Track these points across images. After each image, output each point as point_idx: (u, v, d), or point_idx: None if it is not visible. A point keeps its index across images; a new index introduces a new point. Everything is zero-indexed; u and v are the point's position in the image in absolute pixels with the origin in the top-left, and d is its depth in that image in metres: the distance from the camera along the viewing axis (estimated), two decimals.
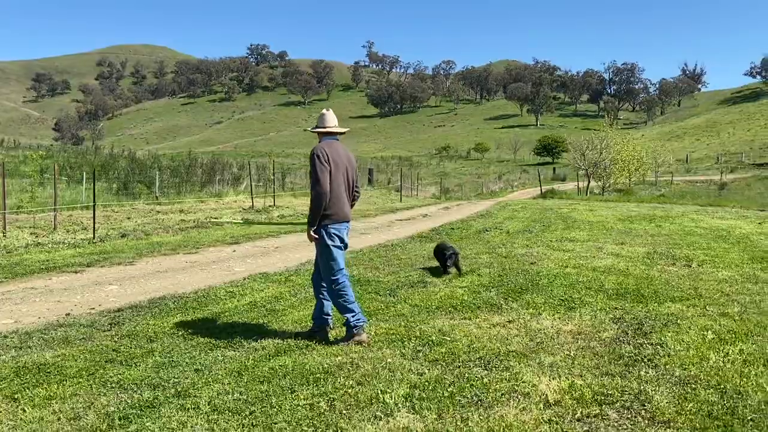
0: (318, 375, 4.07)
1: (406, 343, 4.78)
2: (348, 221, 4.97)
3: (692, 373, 4.01)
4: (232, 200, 21.67)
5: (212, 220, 15.37)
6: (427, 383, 3.89)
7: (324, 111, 5.24)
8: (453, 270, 7.66)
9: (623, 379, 3.90)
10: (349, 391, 3.79)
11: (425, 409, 3.50)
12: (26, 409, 3.57)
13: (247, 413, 3.47)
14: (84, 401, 3.68)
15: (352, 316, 4.80)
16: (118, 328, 5.39)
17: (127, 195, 20.81)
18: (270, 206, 19.56)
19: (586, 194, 34.05)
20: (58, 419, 3.43)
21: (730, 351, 4.41)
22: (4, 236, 11.70)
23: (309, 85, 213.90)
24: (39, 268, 8.58)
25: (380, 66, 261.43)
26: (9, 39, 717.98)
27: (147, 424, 3.36)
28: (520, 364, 4.23)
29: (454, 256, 7.65)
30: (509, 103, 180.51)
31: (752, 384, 3.78)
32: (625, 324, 5.23)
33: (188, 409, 3.54)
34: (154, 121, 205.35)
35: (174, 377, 4.08)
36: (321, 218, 4.78)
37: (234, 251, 10.49)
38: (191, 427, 3.31)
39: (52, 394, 3.80)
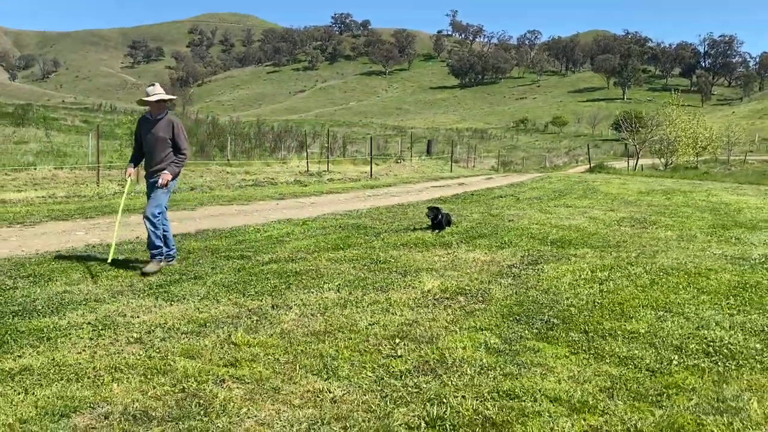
0: (290, 274, 6.13)
1: (360, 261, 6.76)
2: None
3: (536, 283, 5.77)
4: (294, 165, 24.13)
5: (269, 180, 17.79)
6: (355, 279, 5.88)
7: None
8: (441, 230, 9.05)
9: (483, 283, 5.73)
10: (304, 280, 5.83)
11: (343, 290, 5.49)
12: (100, 276, 5.85)
13: (233, 287, 5.58)
14: (140, 282, 5.92)
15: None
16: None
17: (203, 157, 23.63)
18: (324, 171, 21.85)
19: (634, 170, 34.35)
20: (111, 286, 5.67)
21: (582, 276, 6.10)
22: (98, 186, 14.51)
23: (390, 54, 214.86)
24: (123, 210, 11.10)
25: (463, 35, 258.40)
26: (108, 6, 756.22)
27: (172, 290, 5.51)
28: (426, 274, 6.12)
29: (440, 216, 8.99)
30: (596, 75, 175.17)
31: (567, 292, 5.52)
32: (528, 258, 6.98)
33: (198, 284, 5.70)
34: (241, 89, 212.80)
35: (196, 270, 6.27)
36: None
37: (277, 204, 12.73)
38: (197, 291, 5.45)
39: (117, 273, 6.06)
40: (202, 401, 3.26)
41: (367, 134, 60.26)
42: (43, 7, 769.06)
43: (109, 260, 6.43)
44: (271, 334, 4.33)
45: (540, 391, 3.35)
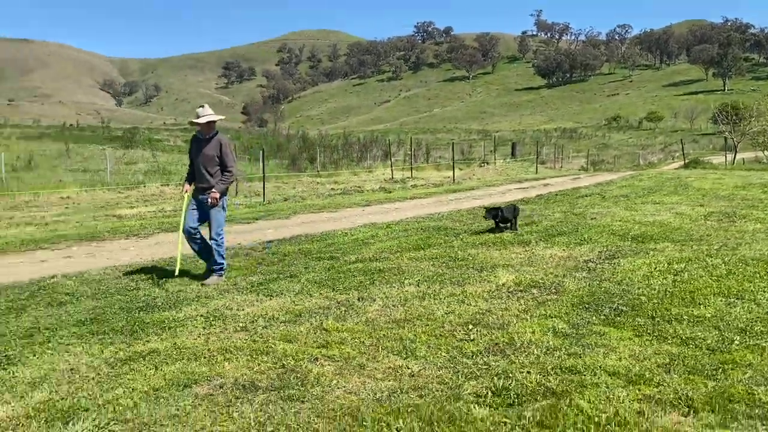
0: (374, 271, 6.64)
1: (439, 259, 7.18)
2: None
3: (610, 276, 5.97)
4: (380, 173, 24.86)
5: (356, 188, 18.53)
6: (433, 275, 6.30)
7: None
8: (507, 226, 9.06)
9: (558, 277, 6.00)
10: (387, 277, 6.32)
11: (422, 284, 5.94)
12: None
13: (324, 283, 6.16)
14: (243, 280, 6.62)
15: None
16: (266, 250, 8.41)
17: (294, 170, 24.81)
18: (407, 177, 22.41)
19: (733, 164, 32.61)
20: (218, 285, 6.39)
21: (657, 268, 6.23)
22: None
23: (474, 59, 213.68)
24: (225, 219, 12.08)
25: (549, 35, 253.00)
26: (205, 31, 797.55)
27: (271, 286, 6.15)
28: (502, 270, 6.45)
29: (500, 213, 8.87)
30: (692, 66, 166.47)
31: (640, 283, 5.69)
32: (605, 253, 7.14)
33: (293, 281, 6.32)
34: (329, 103, 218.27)
35: (291, 270, 6.91)
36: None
37: (363, 210, 13.37)
38: (292, 287, 6.06)
39: (224, 274, 6.79)
40: (299, 375, 3.80)
41: (451, 140, 60.56)
42: (145, 36, 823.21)
43: (176, 273, 6.75)
44: (357, 322, 4.84)
45: (600, 367, 3.65)
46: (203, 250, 6.81)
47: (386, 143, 28.95)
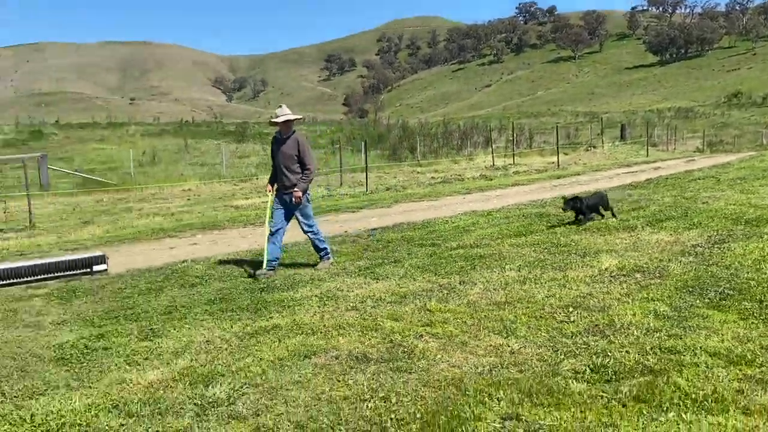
0: (475, 257, 6.86)
1: (541, 245, 7.27)
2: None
3: (719, 260, 5.84)
4: (480, 160, 24.82)
5: (456, 176, 18.68)
6: (535, 261, 6.43)
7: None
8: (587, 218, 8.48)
9: (663, 261, 5.94)
10: (488, 262, 6.52)
11: (523, 269, 6.09)
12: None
13: (426, 268, 6.46)
14: (351, 265, 7.06)
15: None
16: (371, 237, 8.83)
17: (395, 159, 25.29)
18: (509, 164, 22.23)
19: None
20: (329, 269, 6.84)
21: None
22: None
23: (579, 38, 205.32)
24: (330, 209, 12.72)
25: (661, 9, 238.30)
26: (305, 25, 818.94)
27: (377, 271, 6.53)
28: (606, 255, 6.46)
29: (579, 204, 8.36)
30: None
31: (750, 267, 5.54)
32: (715, 237, 6.94)
33: (398, 266, 6.67)
34: (428, 90, 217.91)
35: (395, 256, 7.27)
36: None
37: (464, 198, 13.54)
38: (397, 272, 6.40)
39: (333, 259, 7.26)
40: (405, 349, 4.12)
41: (556, 123, 58.90)
42: (252, 34, 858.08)
43: (264, 266, 6.84)
44: (459, 304, 5.10)
45: (701, 348, 3.70)
46: (274, 249, 6.90)
47: (487, 129, 28.79)
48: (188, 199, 17.34)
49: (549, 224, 8.81)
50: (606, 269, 5.85)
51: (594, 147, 31.38)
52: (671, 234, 7.35)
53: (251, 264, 7.40)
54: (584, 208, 8.38)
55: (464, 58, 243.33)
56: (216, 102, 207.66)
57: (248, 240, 9.55)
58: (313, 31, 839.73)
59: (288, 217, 7.06)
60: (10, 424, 3.41)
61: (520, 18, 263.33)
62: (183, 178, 22.37)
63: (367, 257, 7.39)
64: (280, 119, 6.86)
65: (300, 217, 7.00)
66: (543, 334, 4.25)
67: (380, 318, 4.84)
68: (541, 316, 4.62)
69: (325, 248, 7.10)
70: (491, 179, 17.98)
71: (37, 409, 3.56)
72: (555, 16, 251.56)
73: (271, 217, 7.09)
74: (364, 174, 18.48)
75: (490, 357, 3.92)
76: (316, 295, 5.68)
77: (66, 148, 33.19)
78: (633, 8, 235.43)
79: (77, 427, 3.31)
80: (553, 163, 22.04)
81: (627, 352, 3.77)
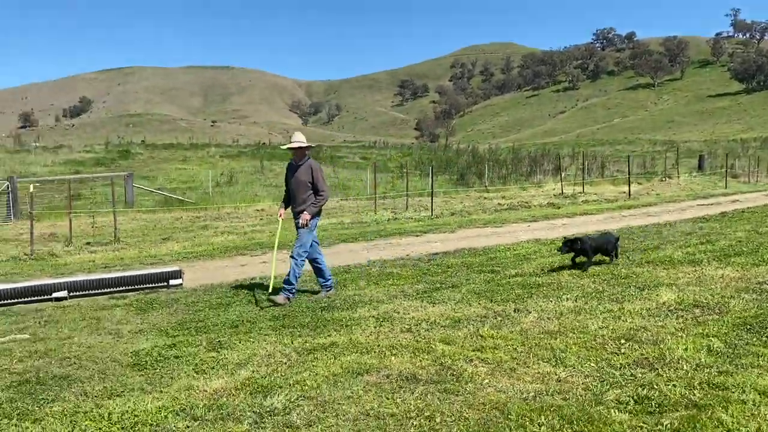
0: (533, 286, 6.92)
1: (601, 276, 7.24)
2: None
3: None
4: (550, 188, 24.55)
5: (523, 203, 18.60)
6: (592, 292, 6.44)
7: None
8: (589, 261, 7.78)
9: (724, 298, 5.83)
10: (545, 291, 6.58)
11: (579, 300, 6.11)
12: (380, 284, 7.32)
13: (483, 294, 6.58)
14: (410, 288, 7.26)
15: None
16: (432, 261, 9.01)
17: (462, 184, 25.38)
18: (579, 193, 21.89)
19: None
20: (388, 291, 7.06)
21: None
22: (375, 213, 16.85)
23: (659, 65, 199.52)
24: (394, 232, 12.98)
25: (747, 35, 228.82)
26: (380, 52, 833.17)
27: (434, 295, 6.70)
28: (665, 288, 6.39)
29: (578, 246, 7.71)
30: None
31: None
32: None
33: (455, 291, 6.82)
34: (500, 116, 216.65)
35: (453, 281, 7.42)
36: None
37: (528, 226, 13.51)
38: (453, 296, 6.56)
39: (392, 282, 7.49)
40: (454, 372, 4.28)
41: (632, 152, 57.30)
42: (329, 60, 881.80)
43: (270, 291, 6.99)
44: (512, 331, 5.20)
45: (750, 386, 3.68)
46: (318, 270, 7.17)
47: (558, 157, 28.50)
48: (261, 219, 18.03)
49: None
50: (664, 303, 5.80)
51: (669, 177, 30.39)
52: (738, 270, 7.17)
53: (314, 280, 7.74)
54: (589, 250, 7.71)
55: (538, 85, 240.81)
56: (292, 125, 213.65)
57: None
58: (388, 58, 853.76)
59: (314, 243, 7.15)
60: (91, 420, 3.79)
61: (597, 44, 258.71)
62: (257, 198, 23.26)
63: (426, 281, 7.57)
64: (293, 145, 7.05)
65: (296, 241, 6.98)
66: (591, 364, 4.31)
67: (433, 341, 5.01)
68: (591, 347, 4.66)
69: (293, 286, 6.86)
70: (559, 207, 17.80)
71: (114, 408, 3.93)
72: (634, 42, 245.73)
73: (279, 243, 7.17)
74: (430, 198, 18.69)
75: (537, 384, 4.01)
76: (373, 316, 5.90)
77: (150, 167, 35.10)
78: (717, 34, 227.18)
79: (149, 427, 3.64)
80: (624, 192, 21.56)
81: (674, 385, 3.79)
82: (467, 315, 5.78)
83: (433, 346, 4.85)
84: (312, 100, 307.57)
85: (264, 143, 61.32)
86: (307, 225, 6.91)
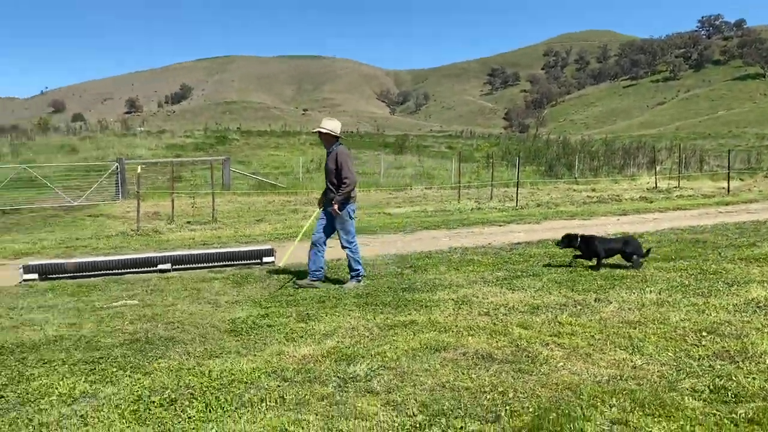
0: (616, 278, 6.86)
1: (688, 271, 7.09)
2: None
3: None
4: (643, 181, 23.69)
5: (613, 196, 18.10)
6: (678, 285, 6.34)
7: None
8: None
9: None
10: (628, 283, 6.53)
11: (663, 293, 6.04)
12: (460, 270, 7.50)
13: (564, 283, 6.61)
14: (490, 275, 7.40)
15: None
16: (513, 251, 9.07)
17: (551, 176, 24.93)
18: (674, 187, 21.01)
19: None
20: (468, 277, 7.21)
21: None
22: (458, 202, 16.94)
23: None
24: (477, 221, 13.06)
25: None
26: (472, 40, 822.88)
27: (515, 282, 6.80)
28: (757, 285, 6.18)
29: (575, 243, 7.56)
30: None
31: None
32: None
33: (536, 279, 6.89)
34: (594, 106, 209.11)
35: (534, 270, 7.49)
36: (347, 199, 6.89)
37: (617, 219, 13.21)
38: (534, 284, 6.63)
39: (473, 268, 7.64)
40: (530, 354, 4.41)
41: (736, 146, 54.00)
42: (417, 50, 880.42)
43: (282, 264, 7.77)
44: (590, 319, 5.25)
45: None
46: (315, 259, 7.09)
47: (652, 149, 27.35)
48: None
49: (701, 250, 8.46)
50: (753, 299, 5.64)
51: None
52: None
53: (397, 264, 8.01)
54: (599, 250, 7.39)
55: (636, 74, 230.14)
56: (380, 114, 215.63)
57: (396, 245, 10.20)
58: (478, 46, 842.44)
59: (327, 230, 7.16)
60: (193, 375, 4.22)
61: (702, 32, 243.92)
62: None
63: (506, 269, 7.67)
64: (317, 129, 7.03)
65: (340, 232, 7.03)
66: (669, 354, 4.32)
67: (510, 324, 5.15)
68: (671, 338, 4.66)
69: (358, 270, 7.05)
70: (651, 201, 17.20)
71: (214, 367, 4.35)
72: (743, 29, 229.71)
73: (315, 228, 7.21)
74: (515, 189, 18.55)
75: (611, 369, 4.09)
76: (452, 299, 6.10)
77: (245, 152, 36.65)
78: None
79: (244, 384, 4.02)
80: (723, 188, 20.49)
81: (753, 378, 3.76)
82: (546, 302, 5.86)
83: (510, 330, 4.99)
84: (400, 89, 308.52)
85: (352, 132, 62.36)
86: (338, 215, 6.91)
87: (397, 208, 17.55)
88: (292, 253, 8.44)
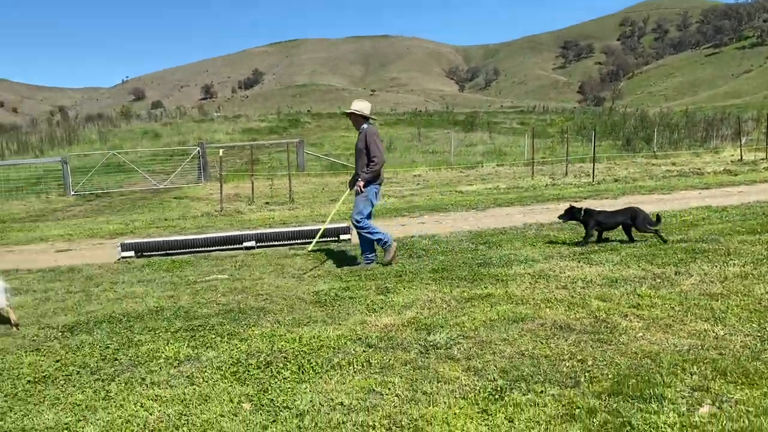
0: (698, 251, 6.71)
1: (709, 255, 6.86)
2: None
3: None
4: (727, 154, 22.61)
5: (695, 170, 17.42)
6: (763, 258, 6.16)
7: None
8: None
9: None
10: (710, 256, 6.40)
11: (747, 265, 5.89)
12: (536, 245, 7.53)
13: (643, 257, 6.55)
14: (566, 250, 7.40)
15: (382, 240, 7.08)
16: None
17: (628, 150, 24.17)
18: (761, 159, 19.96)
19: None
20: (544, 252, 7.23)
21: None
22: (532, 179, 16.77)
23: None
24: (552, 198, 12.94)
25: None
26: (543, 14, 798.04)
27: (592, 257, 6.79)
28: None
29: (577, 215, 7.60)
30: None
31: None
32: None
33: (613, 253, 6.84)
34: (674, 77, 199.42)
35: (612, 244, 7.44)
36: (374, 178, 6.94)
37: (699, 193, 12.76)
38: (612, 258, 6.60)
39: (550, 243, 7.66)
40: (609, 325, 4.47)
41: None
42: (487, 24, 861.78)
43: (310, 248, 7.75)
44: (670, 292, 5.22)
45: None
46: (373, 231, 7.11)
47: (737, 120, 25.95)
48: (418, 184, 18.70)
49: None
50: None
51: None
52: None
53: (471, 240, 8.13)
54: (591, 223, 7.40)
55: (720, 41, 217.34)
56: (448, 92, 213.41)
57: (469, 222, 10.30)
58: (551, 19, 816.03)
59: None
60: (285, 341, 4.53)
61: None
62: (415, 164, 24.00)
63: (583, 243, 7.63)
64: (349, 110, 7.11)
65: (354, 207, 7.06)
66: (753, 325, 4.28)
67: (588, 297, 5.19)
68: (755, 309, 4.59)
69: (373, 243, 7.13)
70: (736, 174, 16.44)
71: (303, 335, 4.65)
72: None
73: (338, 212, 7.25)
74: (592, 164, 18.14)
75: (692, 339, 4.10)
76: (528, 273, 6.17)
77: (317, 134, 37.32)
78: None
79: (332, 350, 4.29)
80: None
81: None
82: (625, 276, 5.85)
83: (589, 302, 5.04)
84: (469, 66, 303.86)
85: (420, 111, 62.21)
86: (362, 191, 6.96)
87: (469, 186, 17.55)
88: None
